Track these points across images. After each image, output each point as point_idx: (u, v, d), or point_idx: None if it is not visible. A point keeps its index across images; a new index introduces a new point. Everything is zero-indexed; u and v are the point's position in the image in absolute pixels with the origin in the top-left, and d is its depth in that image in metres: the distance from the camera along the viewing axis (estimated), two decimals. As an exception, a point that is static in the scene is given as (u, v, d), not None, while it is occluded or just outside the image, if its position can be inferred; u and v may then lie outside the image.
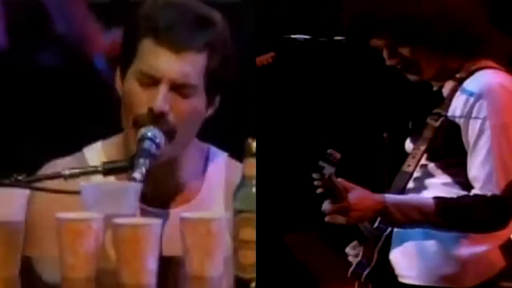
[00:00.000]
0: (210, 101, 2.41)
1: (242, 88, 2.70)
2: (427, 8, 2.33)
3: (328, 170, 2.22)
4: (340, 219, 2.25)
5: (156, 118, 2.31)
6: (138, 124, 2.32)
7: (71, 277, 1.95)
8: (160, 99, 2.31)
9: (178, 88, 2.33)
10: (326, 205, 2.25)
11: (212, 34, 2.36)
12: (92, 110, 2.86)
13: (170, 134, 2.33)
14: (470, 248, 2.32)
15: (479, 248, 2.32)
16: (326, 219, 2.26)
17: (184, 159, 2.44)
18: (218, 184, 2.48)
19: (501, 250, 2.33)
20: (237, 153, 2.06)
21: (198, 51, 2.35)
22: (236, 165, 2.38)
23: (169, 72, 2.32)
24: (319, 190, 2.25)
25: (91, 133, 2.61)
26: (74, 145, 2.52)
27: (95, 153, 2.47)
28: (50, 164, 2.47)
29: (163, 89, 2.32)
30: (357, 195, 2.26)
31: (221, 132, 2.56)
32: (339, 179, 2.25)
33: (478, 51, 2.36)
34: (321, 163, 2.22)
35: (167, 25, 2.33)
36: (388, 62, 2.41)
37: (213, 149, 2.53)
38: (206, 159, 2.51)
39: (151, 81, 2.33)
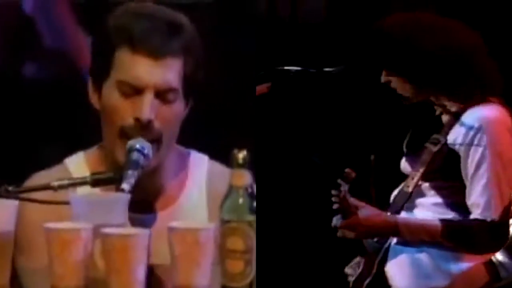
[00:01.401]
0: (186, 103, 2.44)
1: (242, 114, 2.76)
2: (432, 44, 2.49)
3: (344, 187, 2.47)
4: (349, 234, 2.41)
5: (144, 127, 2.33)
6: (126, 135, 2.34)
7: (60, 287, 1.96)
8: (147, 108, 2.33)
9: (162, 95, 2.36)
10: (336, 220, 2.41)
11: (184, 39, 2.39)
12: (80, 121, 2.87)
13: (156, 141, 2.35)
14: (458, 264, 2.52)
15: (466, 264, 2.52)
16: (338, 234, 2.41)
17: (164, 164, 2.46)
18: (199, 187, 2.50)
19: (485, 267, 2.46)
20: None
21: (174, 55, 2.37)
22: (218, 167, 2.42)
23: (152, 80, 2.35)
24: (335, 206, 2.48)
25: (78, 144, 2.62)
26: (60, 156, 2.54)
27: (77, 164, 2.49)
28: (34, 176, 2.48)
29: (148, 97, 2.34)
30: (368, 212, 2.42)
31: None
32: (352, 198, 2.47)
33: (479, 90, 2.52)
34: (339, 181, 2.47)
35: (141, 33, 2.35)
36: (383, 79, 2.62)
37: (194, 153, 2.55)
38: (187, 163, 2.53)
39: (134, 91, 2.35)
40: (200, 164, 2.53)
